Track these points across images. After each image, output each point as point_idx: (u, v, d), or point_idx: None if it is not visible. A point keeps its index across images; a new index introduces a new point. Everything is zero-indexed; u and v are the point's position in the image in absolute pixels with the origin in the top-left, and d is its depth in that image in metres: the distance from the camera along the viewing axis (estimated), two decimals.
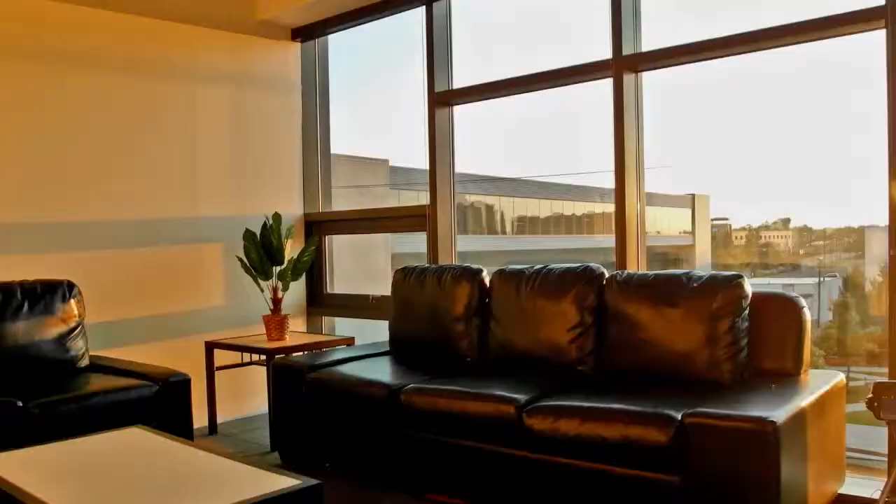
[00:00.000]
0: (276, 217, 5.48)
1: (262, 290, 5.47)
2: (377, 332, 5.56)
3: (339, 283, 6.36)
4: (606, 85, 4.60)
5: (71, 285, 4.69)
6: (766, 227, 4.57)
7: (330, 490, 4.10)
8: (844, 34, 3.90)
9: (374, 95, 6.17)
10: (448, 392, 3.85)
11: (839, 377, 3.66)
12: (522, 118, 5.34)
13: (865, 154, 3.89)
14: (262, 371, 5.62)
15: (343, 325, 6.35)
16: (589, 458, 3.35)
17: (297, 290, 6.20)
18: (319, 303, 6.35)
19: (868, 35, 3.83)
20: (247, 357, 5.50)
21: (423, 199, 5.53)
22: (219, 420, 5.50)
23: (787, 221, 4.49)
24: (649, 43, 4.50)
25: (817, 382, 3.53)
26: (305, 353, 5.12)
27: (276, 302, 5.43)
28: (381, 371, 4.39)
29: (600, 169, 4.67)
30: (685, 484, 3.09)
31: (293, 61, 6.26)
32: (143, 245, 5.33)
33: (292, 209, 6.23)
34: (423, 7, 5.45)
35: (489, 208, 5.82)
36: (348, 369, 4.39)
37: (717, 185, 4.59)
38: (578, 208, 5.44)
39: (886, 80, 3.61)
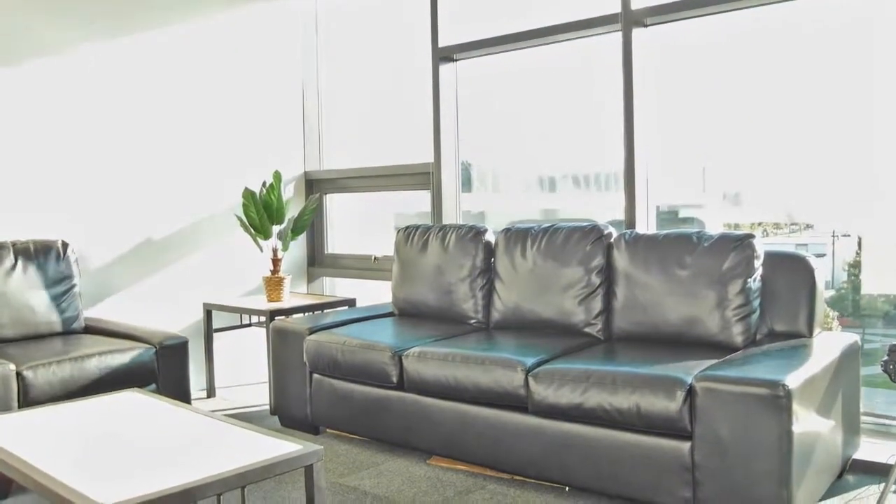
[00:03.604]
0: (277, 175, 5.36)
1: (261, 250, 5.38)
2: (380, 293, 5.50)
3: (342, 243, 6.27)
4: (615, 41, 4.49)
5: (65, 245, 4.60)
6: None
7: (331, 454, 4.05)
8: None
9: (376, 51, 6.03)
10: (452, 355, 3.77)
11: (853, 339, 3.59)
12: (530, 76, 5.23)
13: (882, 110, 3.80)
14: (261, 333, 5.55)
15: (345, 287, 6.26)
16: (596, 422, 3.29)
17: (297, 251, 6.11)
18: (320, 263, 6.27)
19: None
20: (245, 319, 5.43)
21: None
22: (217, 383, 5.43)
23: (801, 179, 4.38)
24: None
25: (831, 345, 3.46)
26: (306, 314, 5.04)
27: (276, 262, 5.34)
28: (384, 333, 4.32)
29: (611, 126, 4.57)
30: (695, 449, 3.02)
31: (293, 13, 6.10)
32: (140, 205, 5.22)
33: (293, 167, 6.12)
34: None
35: (494, 168, 5.70)
36: (350, 331, 4.31)
37: (728, 148, 4.49)
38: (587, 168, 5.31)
39: None
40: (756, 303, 3.63)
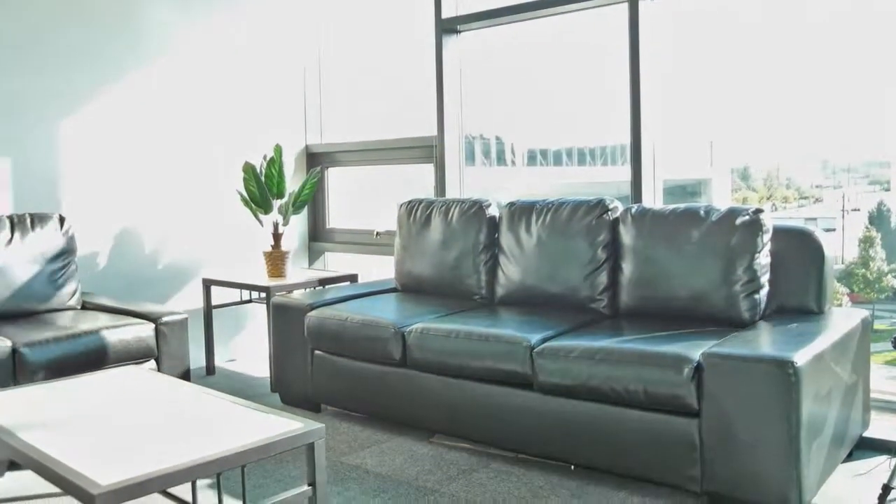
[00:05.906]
0: (278, 149, 5.29)
1: (261, 225, 5.32)
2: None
3: (343, 217, 6.21)
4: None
5: (62, 219, 4.53)
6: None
7: (332, 432, 4.01)
8: None
9: (378, 22, 5.95)
10: (456, 331, 3.71)
11: (864, 315, 3.54)
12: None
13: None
14: (261, 309, 5.50)
15: (347, 262, 6.21)
16: (602, 400, 3.24)
17: (299, 226, 6.05)
18: (322, 238, 6.21)
19: None
20: (246, 295, 5.37)
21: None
22: (217, 360, 5.39)
23: (809, 153, 4.33)
24: None
25: (840, 321, 3.41)
26: (307, 290, 4.99)
27: (277, 237, 5.28)
28: (386, 310, 4.26)
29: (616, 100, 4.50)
30: (703, 427, 2.97)
31: None
32: (140, 179, 5.15)
33: (294, 141, 6.04)
34: None
35: (498, 140, 5.63)
36: (351, 307, 4.26)
37: (736, 121, 4.42)
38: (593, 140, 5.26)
39: None
40: (765, 278, 3.57)
